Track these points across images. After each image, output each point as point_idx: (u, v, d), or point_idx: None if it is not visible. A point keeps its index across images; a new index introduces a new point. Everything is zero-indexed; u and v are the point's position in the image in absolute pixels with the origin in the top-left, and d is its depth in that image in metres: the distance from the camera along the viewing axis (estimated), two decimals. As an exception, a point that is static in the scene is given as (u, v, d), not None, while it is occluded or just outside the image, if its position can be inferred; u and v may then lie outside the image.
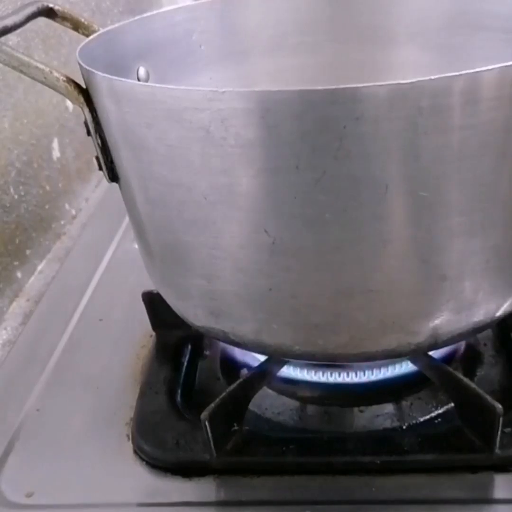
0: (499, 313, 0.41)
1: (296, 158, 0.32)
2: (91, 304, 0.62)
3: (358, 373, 0.47)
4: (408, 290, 0.37)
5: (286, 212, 0.34)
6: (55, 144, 0.79)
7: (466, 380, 0.43)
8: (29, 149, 0.72)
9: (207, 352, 0.54)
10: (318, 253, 0.36)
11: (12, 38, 0.67)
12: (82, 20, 0.48)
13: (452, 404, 0.45)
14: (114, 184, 0.43)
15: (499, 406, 0.40)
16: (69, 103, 0.81)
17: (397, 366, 0.47)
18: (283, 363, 0.47)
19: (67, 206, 0.82)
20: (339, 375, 0.47)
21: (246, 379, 0.45)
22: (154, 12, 0.50)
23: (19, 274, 0.68)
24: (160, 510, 0.42)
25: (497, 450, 0.41)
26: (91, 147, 0.41)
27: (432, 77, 0.29)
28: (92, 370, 0.53)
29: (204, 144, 0.33)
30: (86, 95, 0.39)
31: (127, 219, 0.52)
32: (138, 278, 0.52)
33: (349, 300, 0.37)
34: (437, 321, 0.39)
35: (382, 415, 0.46)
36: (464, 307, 0.39)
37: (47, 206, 0.76)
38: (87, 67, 0.37)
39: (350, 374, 0.47)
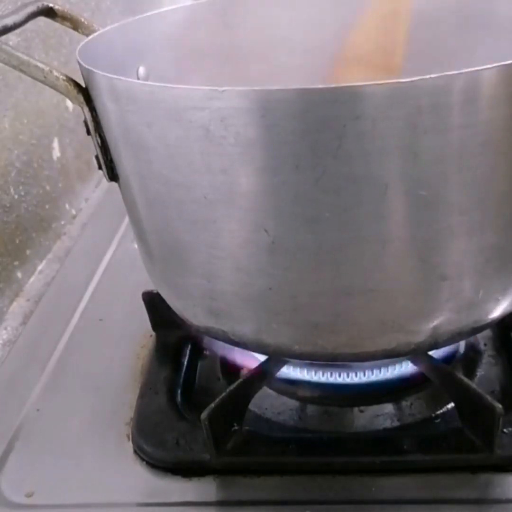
0: (499, 313, 0.41)
1: (296, 157, 0.32)
2: (91, 304, 0.62)
3: (358, 373, 0.47)
4: (408, 289, 0.37)
5: (285, 211, 0.34)
6: (55, 144, 0.79)
7: (466, 380, 0.43)
8: (29, 149, 0.72)
9: (207, 352, 0.54)
10: (318, 253, 0.36)
11: (12, 38, 0.67)
12: (82, 20, 0.48)
13: (452, 404, 0.45)
14: (114, 184, 0.43)
15: (499, 406, 0.40)
16: (69, 103, 0.81)
17: (397, 366, 0.47)
18: (283, 363, 0.47)
19: (67, 206, 0.82)
20: (339, 375, 0.47)
21: (246, 379, 0.45)
22: (154, 12, 0.50)
23: (19, 274, 0.68)
24: (160, 510, 0.42)
25: (497, 450, 0.41)
26: (91, 147, 0.41)
27: (432, 75, 0.29)
28: (92, 370, 0.53)
29: (203, 143, 0.33)
30: (86, 94, 0.39)
31: (127, 219, 0.52)
32: (138, 278, 0.52)
33: (349, 299, 0.37)
34: (437, 321, 0.38)
35: (382, 415, 0.46)
36: (464, 306, 0.39)
37: (47, 206, 0.76)
38: (87, 66, 0.37)
39: (350, 374, 0.47)
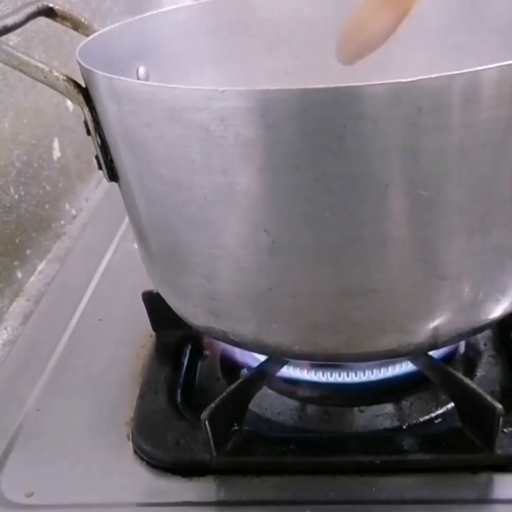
0: (499, 313, 0.41)
1: (296, 157, 0.32)
2: (91, 304, 0.62)
3: (358, 373, 0.47)
4: (408, 289, 0.37)
5: (285, 211, 0.34)
6: (55, 144, 0.79)
7: (466, 380, 0.43)
8: (29, 149, 0.72)
9: (207, 352, 0.54)
10: (318, 253, 0.36)
11: (12, 38, 0.67)
12: (82, 20, 0.48)
13: (452, 404, 0.45)
14: (114, 184, 0.43)
15: (499, 406, 0.40)
16: (69, 103, 0.81)
17: (397, 366, 0.47)
18: (283, 363, 0.47)
19: (67, 206, 0.82)
20: (339, 375, 0.47)
21: (246, 379, 0.45)
22: (154, 12, 0.50)
23: (19, 274, 0.68)
24: (160, 510, 0.42)
25: (497, 450, 0.41)
26: (91, 147, 0.41)
27: (432, 76, 0.29)
28: (92, 370, 0.53)
29: (203, 143, 0.33)
30: (85, 94, 0.39)
31: (127, 219, 0.52)
32: (138, 278, 0.52)
33: (349, 300, 0.37)
34: (437, 321, 0.38)
35: (382, 415, 0.46)
36: (464, 307, 0.39)
37: (47, 206, 0.76)
38: (87, 66, 0.37)
39: (350, 374, 0.47)
